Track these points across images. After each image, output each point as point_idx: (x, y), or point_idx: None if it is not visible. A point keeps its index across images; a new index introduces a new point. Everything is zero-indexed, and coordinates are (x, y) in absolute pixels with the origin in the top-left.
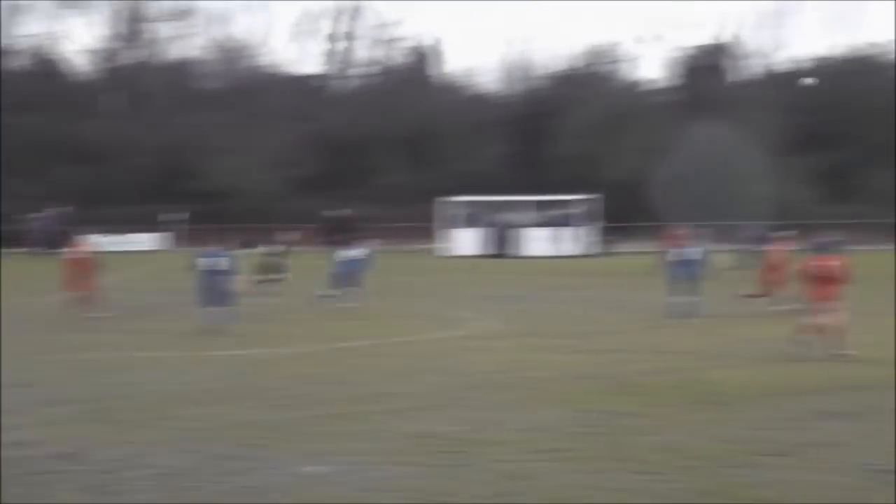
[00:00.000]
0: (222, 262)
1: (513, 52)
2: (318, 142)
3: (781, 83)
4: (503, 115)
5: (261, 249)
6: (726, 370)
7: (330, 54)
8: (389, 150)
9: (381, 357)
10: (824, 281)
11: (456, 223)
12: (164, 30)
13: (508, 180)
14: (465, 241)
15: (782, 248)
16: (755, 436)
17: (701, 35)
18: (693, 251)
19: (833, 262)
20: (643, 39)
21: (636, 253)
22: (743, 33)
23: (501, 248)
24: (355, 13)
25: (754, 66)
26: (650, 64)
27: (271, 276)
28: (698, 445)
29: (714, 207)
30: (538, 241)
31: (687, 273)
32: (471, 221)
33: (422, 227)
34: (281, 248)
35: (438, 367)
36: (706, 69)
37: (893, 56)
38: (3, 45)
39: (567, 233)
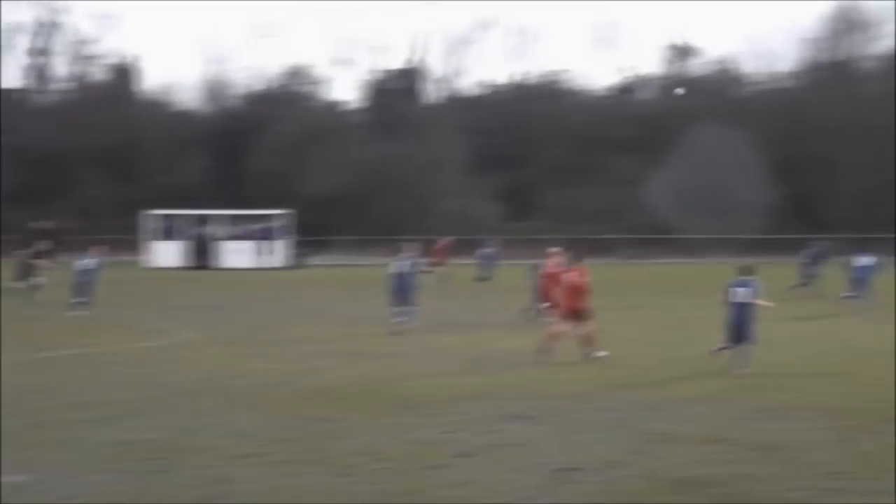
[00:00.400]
0: None
1: (211, 70)
2: (18, 155)
3: (466, 106)
4: (204, 132)
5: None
6: (422, 377)
7: (29, 69)
8: (91, 164)
9: (87, 367)
10: (571, 291)
11: (159, 235)
12: None
13: (209, 194)
14: (168, 253)
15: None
16: (446, 438)
17: (392, 59)
18: (405, 264)
19: (577, 274)
20: (340, 62)
21: (330, 265)
22: (430, 59)
23: (202, 260)
24: (53, 29)
25: (442, 90)
26: (345, 85)
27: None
28: (393, 448)
29: (408, 222)
30: (237, 254)
31: (401, 284)
32: (173, 234)
33: (127, 240)
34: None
35: (142, 375)
36: (396, 92)
37: (567, 84)
38: None
39: (264, 246)
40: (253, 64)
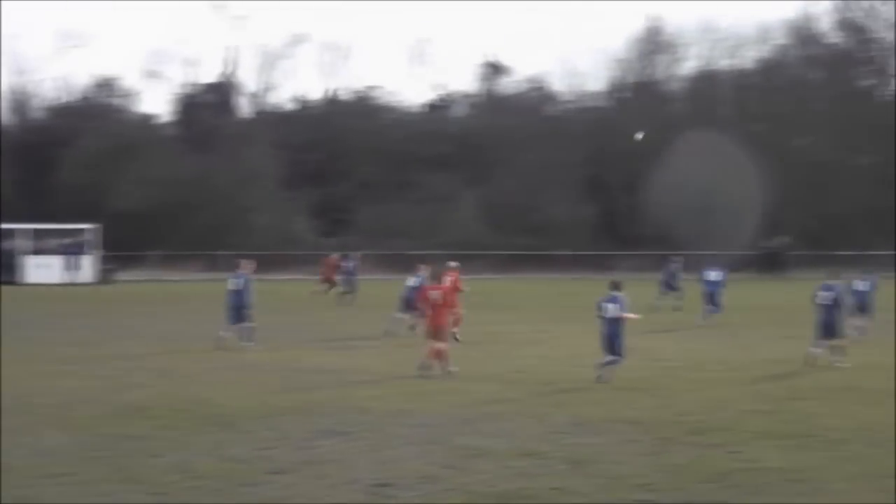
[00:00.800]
0: None
1: (14, 81)
2: None
3: (280, 121)
4: (7, 144)
5: None
6: (237, 394)
7: None
8: None
9: None
10: (436, 308)
11: None
12: None
13: (14, 208)
14: None
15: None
16: (260, 455)
17: (204, 73)
18: (240, 280)
19: (442, 290)
20: (151, 74)
21: (140, 281)
22: (243, 73)
23: (6, 275)
24: None
25: (255, 105)
26: (156, 98)
27: None
28: (206, 465)
29: (220, 237)
30: (43, 269)
31: (236, 301)
32: None
33: None
34: None
35: None
36: (208, 106)
37: (381, 100)
38: None
39: (71, 261)
40: (59, 75)
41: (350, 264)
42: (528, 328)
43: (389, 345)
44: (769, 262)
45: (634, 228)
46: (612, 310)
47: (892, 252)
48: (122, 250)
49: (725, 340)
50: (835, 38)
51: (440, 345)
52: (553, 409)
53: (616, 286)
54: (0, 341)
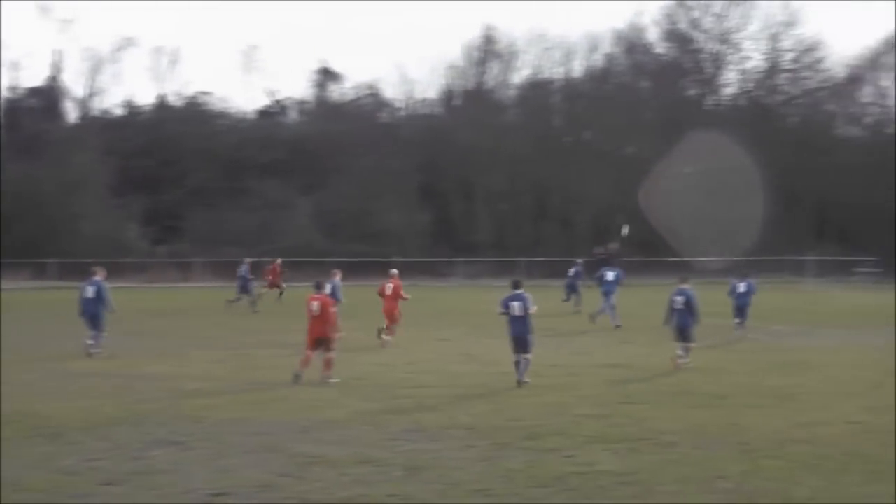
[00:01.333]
0: None
1: None
2: None
3: (109, 127)
4: None
5: None
6: (67, 403)
7: None
8: None
9: None
10: (317, 319)
11: None
12: None
13: None
14: None
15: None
16: (92, 466)
17: (30, 77)
18: (93, 288)
19: (320, 300)
20: None
21: None
22: (70, 78)
23: None
24: None
25: (82, 110)
26: None
27: None
28: (35, 478)
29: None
30: None
31: (91, 308)
32: None
33: None
34: None
35: None
36: (34, 111)
37: (213, 106)
38: None
39: None
40: None
41: (243, 269)
42: (366, 335)
43: (224, 353)
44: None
45: (470, 235)
46: (518, 308)
47: (720, 258)
48: None
49: (560, 346)
50: (661, 48)
51: (329, 354)
52: (391, 416)
53: (517, 285)
54: None
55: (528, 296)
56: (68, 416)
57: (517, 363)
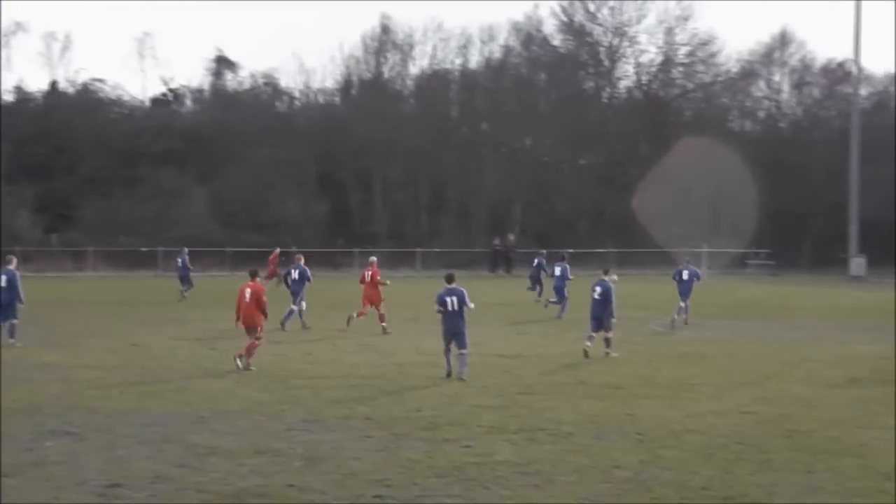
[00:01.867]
0: None
1: None
2: None
3: None
4: None
5: None
6: None
7: None
8: None
9: None
10: (247, 305)
11: None
12: None
13: None
14: None
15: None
16: None
17: None
18: (4, 277)
19: (252, 288)
20: None
21: None
22: None
23: None
24: None
25: None
26: None
27: None
28: None
29: None
30: None
31: (4, 298)
32: None
33: None
34: None
35: None
36: None
37: (106, 93)
38: None
39: None
40: None
41: (181, 259)
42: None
43: (118, 343)
44: (498, 260)
45: (367, 226)
46: (454, 302)
47: (614, 249)
48: None
49: None
50: (558, 40)
51: (254, 342)
52: (287, 407)
53: (451, 279)
54: None
55: (464, 290)
56: None
57: (447, 351)
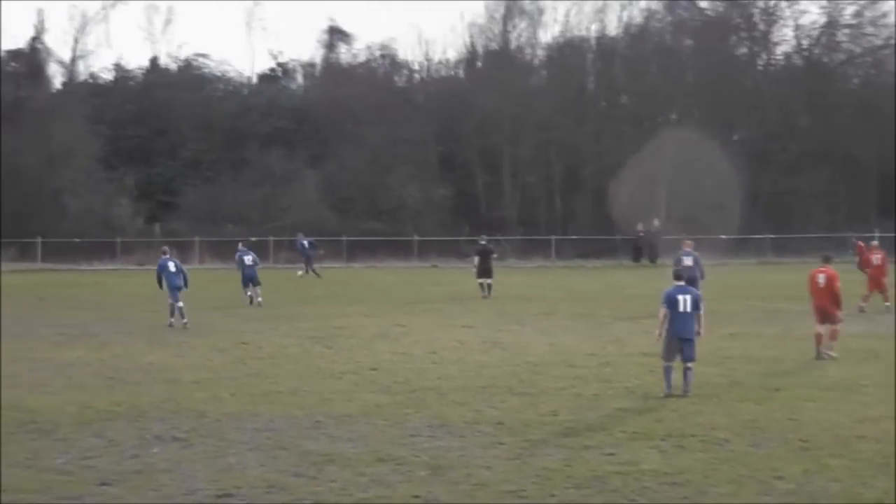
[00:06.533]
0: None
1: None
2: None
3: (97, 93)
4: None
5: None
6: (53, 396)
7: None
8: None
9: None
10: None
11: None
12: None
13: None
14: None
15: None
16: (85, 465)
17: (10, 39)
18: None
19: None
20: None
21: None
22: (55, 40)
23: None
24: None
25: (68, 74)
26: None
27: None
28: (24, 478)
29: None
30: None
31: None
32: None
33: None
34: None
35: None
36: (14, 76)
37: (210, 70)
38: None
39: None
40: None
41: (303, 243)
42: (381, 322)
43: (228, 341)
44: (642, 249)
45: (494, 211)
46: (685, 302)
47: (771, 235)
48: None
49: (595, 333)
50: (706, 2)
51: (835, 326)
52: (410, 411)
53: (681, 276)
54: None
55: (699, 292)
56: (59, 410)
57: (669, 370)
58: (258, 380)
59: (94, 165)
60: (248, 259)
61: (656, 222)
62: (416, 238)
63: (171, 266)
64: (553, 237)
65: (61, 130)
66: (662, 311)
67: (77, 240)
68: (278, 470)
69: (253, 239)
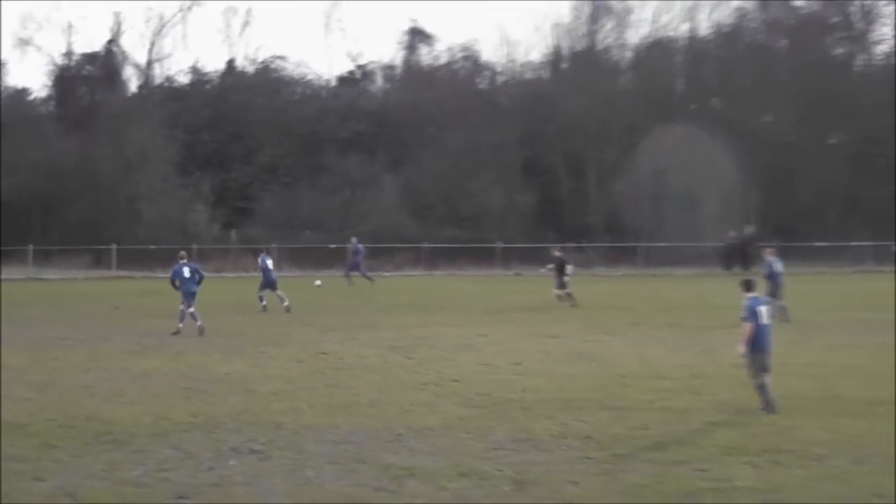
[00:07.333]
0: None
1: None
2: None
3: (173, 97)
4: None
5: None
6: (129, 407)
7: None
8: None
9: None
10: None
11: None
12: None
13: None
14: None
15: None
16: (160, 477)
17: (87, 42)
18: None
19: None
20: (24, 42)
21: (11, 280)
22: (131, 42)
23: None
24: None
25: (144, 78)
26: (29, 71)
27: None
28: (98, 490)
29: (103, 230)
30: None
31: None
32: None
33: None
34: None
35: None
36: (90, 79)
37: (288, 73)
38: None
39: None
40: None
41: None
42: (463, 331)
43: (304, 351)
44: (734, 255)
45: (580, 217)
46: (766, 314)
47: (870, 243)
48: None
49: (685, 344)
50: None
51: None
52: (494, 423)
53: (751, 286)
54: None
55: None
56: (133, 421)
57: (763, 386)
58: (337, 391)
59: (170, 171)
60: (270, 263)
61: (749, 228)
62: (500, 245)
63: (186, 272)
64: (640, 244)
65: (137, 135)
66: (748, 325)
67: (153, 247)
68: (357, 484)
69: (332, 246)
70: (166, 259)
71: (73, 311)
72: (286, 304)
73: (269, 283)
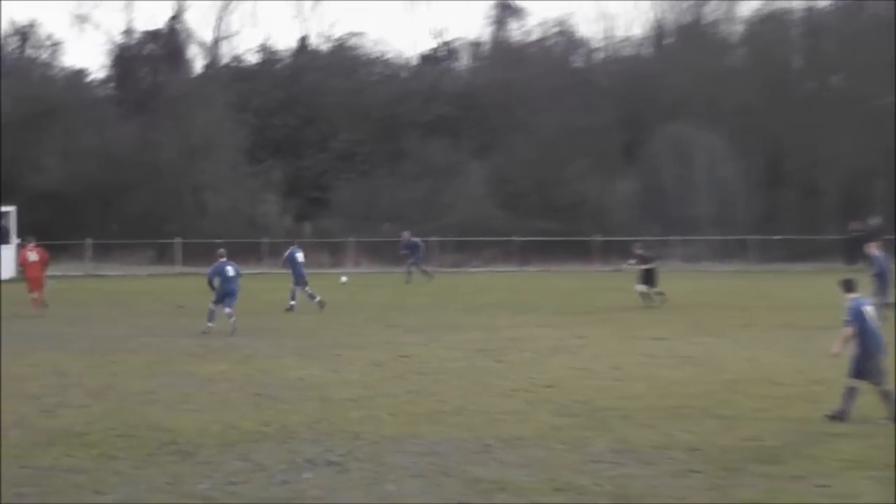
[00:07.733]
0: None
1: None
2: None
3: (241, 78)
4: None
5: None
6: (194, 415)
7: None
8: None
9: None
10: None
11: None
12: None
13: None
14: None
15: None
16: (229, 490)
17: (148, 19)
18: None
19: None
20: (81, 20)
21: (66, 276)
22: (195, 19)
23: None
24: None
25: (209, 58)
26: (86, 50)
27: None
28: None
29: (166, 222)
30: None
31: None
32: None
33: None
34: None
35: None
36: (152, 59)
37: (366, 51)
38: None
39: None
40: None
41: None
42: (557, 333)
43: (383, 354)
44: (858, 250)
45: (686, 208)
46: (871, 315)
47: None
48: (44, 239)
49: (801, 347)
50: None
51: None
52: (591, 434)
53: (852, 286)
54: None
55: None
56: (201, 430)
57: (853, 392)
58: (420, 398)
59: (238, 158)
60: (301, 256)
61: (875, 220)
62: (598, 238)
63: (230, 270)
64: (752, 237)
65: (202, 120)
66: (849, 329)
67: (219, 240)
68: (442, 498)
69: (416, 240)
70: (235, 254)
71: (134, 310)
72: (318, 299)
73: (298, 279)
